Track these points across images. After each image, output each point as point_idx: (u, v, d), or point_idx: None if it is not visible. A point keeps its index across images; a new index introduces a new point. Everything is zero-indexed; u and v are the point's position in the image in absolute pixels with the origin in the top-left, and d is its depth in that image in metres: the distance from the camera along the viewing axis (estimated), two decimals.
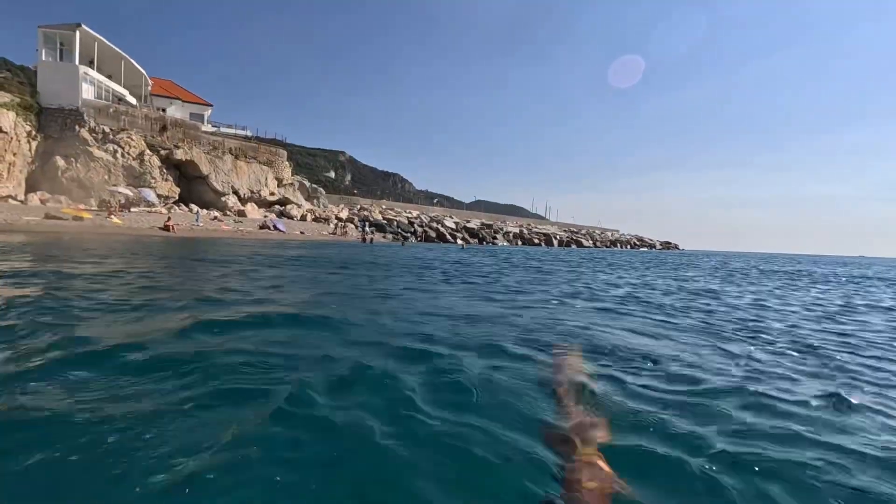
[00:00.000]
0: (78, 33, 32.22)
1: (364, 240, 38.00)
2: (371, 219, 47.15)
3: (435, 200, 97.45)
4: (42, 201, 28.75)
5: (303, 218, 41.99)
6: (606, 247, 72.43)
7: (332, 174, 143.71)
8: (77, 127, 32.05)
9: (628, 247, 78.40)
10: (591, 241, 71.36)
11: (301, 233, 34.94)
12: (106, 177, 32.56)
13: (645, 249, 76.17)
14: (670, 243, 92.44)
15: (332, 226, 41.54)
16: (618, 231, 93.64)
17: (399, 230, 46.17)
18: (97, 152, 32.45)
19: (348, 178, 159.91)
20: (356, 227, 43.73)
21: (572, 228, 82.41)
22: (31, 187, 30.30)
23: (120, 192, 29.90)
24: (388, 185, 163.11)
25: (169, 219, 25.06)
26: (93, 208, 28.75)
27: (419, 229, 48.06)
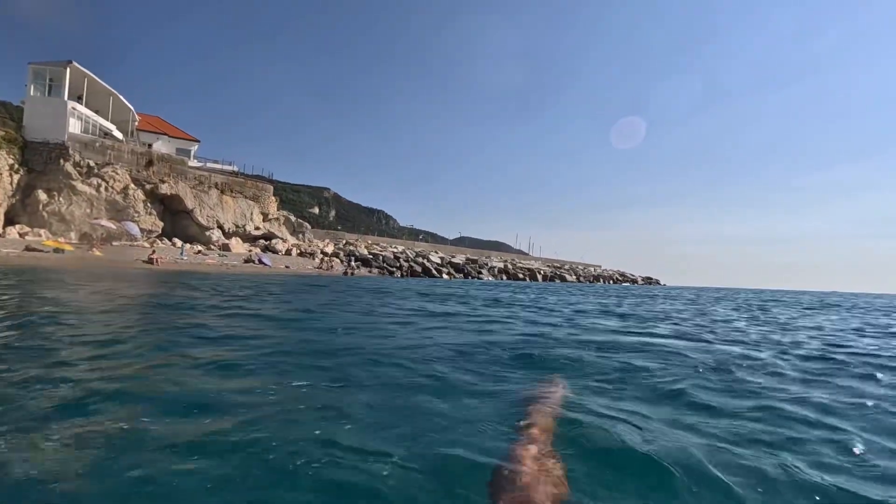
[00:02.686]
0: (68, 70, 32.58)
1: (347, 273, 37.89)
2: (357, 253, 47.14)
3: (420, 236, 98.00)
4: (21, 234, 28.23)
5: (287, 252, 41.80)
6: (590, 282, 73.22)
7: (317, 210, 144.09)
8: (62, 161, 31.93)
9: (611, 282, 79.37)
10: (574, 276, 72.14)
11: (286, 267, 34.74)
12: (88, 210, 32.25)
13: (627, 284, 77.18)
14: (652, 279, 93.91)
15: (317, 260, 41.38)
16: (600, 266, 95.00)
17: (385, 265, 46.18)
18: (80, 186, 32.24)
19: (332, 213, 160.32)
20: (342, 261, 43.64)
21: (555, 263, 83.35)
22: (9, 220, 29.79)
23: (102, 226, 29.55)
24: (373, 222, 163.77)
25: (153, 252, 24.79)
26: (73, 241, 28.32)
27: (405, 264, 48.13)
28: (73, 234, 30.57)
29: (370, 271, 43.61)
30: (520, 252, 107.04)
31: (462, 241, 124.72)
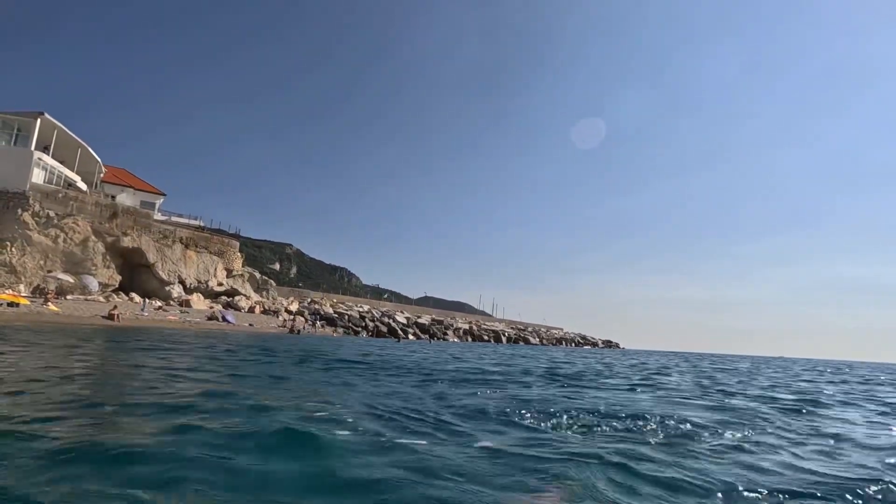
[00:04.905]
0: (39, 121, 32.33)
1: (293, 330, 35.44)
2: (322, 312, 46.47)
3: (385, 295, 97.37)
4: None
5: (251, 310, 40.79)
6: (553, 344, 74.12)
7: (277, 266, 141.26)
8: (19, 210, 30.86)
9: (572, 345, 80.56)
10: (537, 339, 72.92)
11: (250, 325, 33.86)
12: (42, 262, 30.90)
13: (588, 347, 78.52)
14: (611, 342, 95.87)
15: (280, 318, 40.51)
16: (562, 329, 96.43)
17: (351, 324, 45.62)
18: (36, 237, 31.05)
19: (294, 270, 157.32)
20: (306, 320, 42.86)
21: (519, 326, 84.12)
22: None
23: (58, 279, 28.28)
24: (335, 279, 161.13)
25: (114, 307, 23.85)
26: (25, 294, 26.87)
27: (371, 324, 47.69)
28: (22, 287, 29.03)
29: (335, 331, 42.91)
30: (483, 313, 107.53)
31: (426, 301, 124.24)
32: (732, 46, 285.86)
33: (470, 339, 58.84)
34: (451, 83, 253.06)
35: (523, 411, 5.14)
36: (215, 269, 41.96)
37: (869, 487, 2.88)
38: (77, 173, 37.79)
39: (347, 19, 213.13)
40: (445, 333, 55.18)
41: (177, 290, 37.83)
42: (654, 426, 4.73)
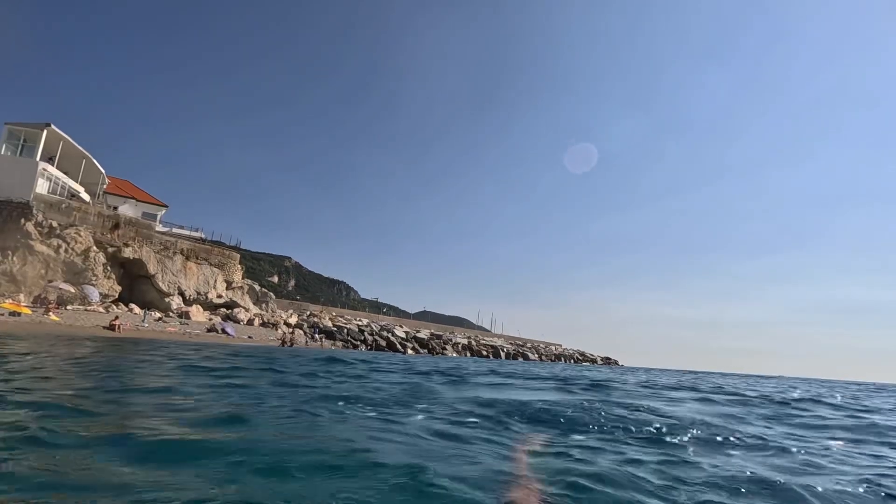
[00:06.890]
0: (45, 132, 32.65)
1: (284, 343, 34.20)
2: (321, 325, 46.37)
3: (384, 310, 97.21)
4: None
5: (250, 322, 40.69)
6: (551, 360, 73.78)
7: (276, 279, 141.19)
8: (22, 220, 31.01)
9: (571, 361, 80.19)
10: (536, 355, 72.62)
11: (249, 337, 33.77)
12: (43, 272, 30.90)
13: (587, 364, 78.16)
14: (610, 359, 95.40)
15: (279, 331, 40.38)
16: (561, 345, 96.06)
17: (350, 337, 45.50)
18: (38, 246, 31.13)
19: (292, 283, 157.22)
20: (305, 333, 42.77)
21: (518, 342, 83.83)
22: None
23: (59, 288, 28.29)
24: (333, 293, 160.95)
25: (115, 318, 23.84)
26: (24, 304, 26.86)
27: (370, 337, 47.56)
28: (22, 297, 29.02)
29: (335, 344, 42.77)
30: (481, 328, 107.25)
31: (424, 315, 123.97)
32: (727, 67, 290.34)
33: (468, 354, 58.61)
34: (453, 98, 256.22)
35: None
36: (215, 281, 41.97)
37: None
38: (81, 184, 38.04)
39: (347, 32, 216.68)
40: (444, 348, 55.00)
41: (176, 302, 37.80)
42: None
